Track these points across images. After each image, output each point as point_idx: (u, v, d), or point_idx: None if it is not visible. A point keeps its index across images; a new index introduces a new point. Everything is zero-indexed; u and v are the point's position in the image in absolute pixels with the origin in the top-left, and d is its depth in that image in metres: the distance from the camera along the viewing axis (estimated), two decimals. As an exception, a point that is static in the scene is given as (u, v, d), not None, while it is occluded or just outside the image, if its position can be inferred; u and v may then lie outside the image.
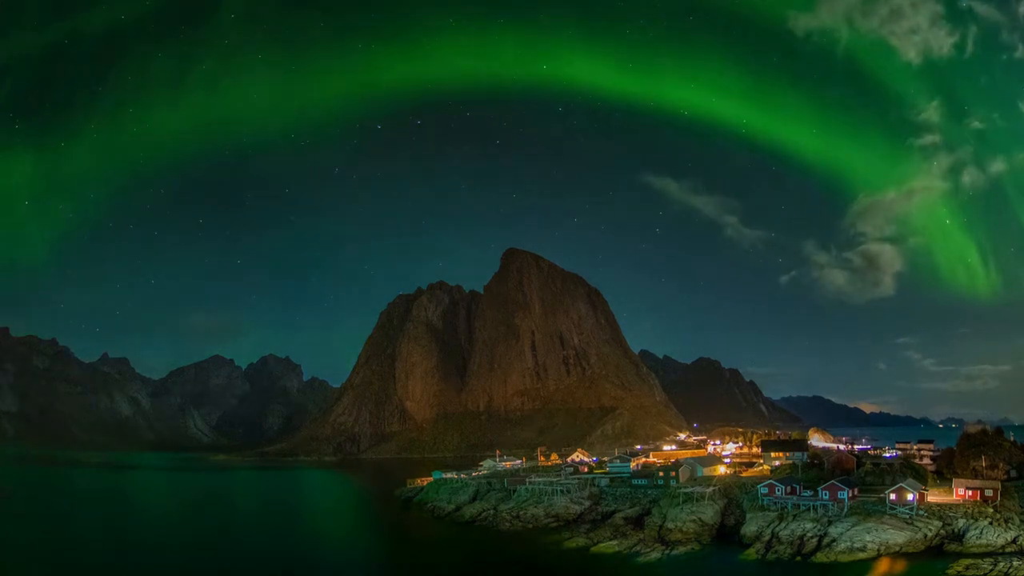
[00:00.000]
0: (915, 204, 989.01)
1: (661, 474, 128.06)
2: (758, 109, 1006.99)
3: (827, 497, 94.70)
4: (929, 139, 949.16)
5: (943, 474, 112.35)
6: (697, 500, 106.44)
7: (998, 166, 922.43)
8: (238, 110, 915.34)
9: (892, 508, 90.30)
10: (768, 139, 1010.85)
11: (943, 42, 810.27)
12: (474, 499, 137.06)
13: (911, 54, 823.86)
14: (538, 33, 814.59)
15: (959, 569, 72.40)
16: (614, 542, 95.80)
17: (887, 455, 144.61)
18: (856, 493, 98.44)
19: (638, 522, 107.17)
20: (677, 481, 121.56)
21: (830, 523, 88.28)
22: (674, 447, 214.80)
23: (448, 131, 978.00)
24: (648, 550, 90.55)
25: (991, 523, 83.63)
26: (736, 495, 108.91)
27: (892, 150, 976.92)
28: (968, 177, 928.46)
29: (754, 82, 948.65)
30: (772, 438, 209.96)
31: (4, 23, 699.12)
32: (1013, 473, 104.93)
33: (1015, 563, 71.85)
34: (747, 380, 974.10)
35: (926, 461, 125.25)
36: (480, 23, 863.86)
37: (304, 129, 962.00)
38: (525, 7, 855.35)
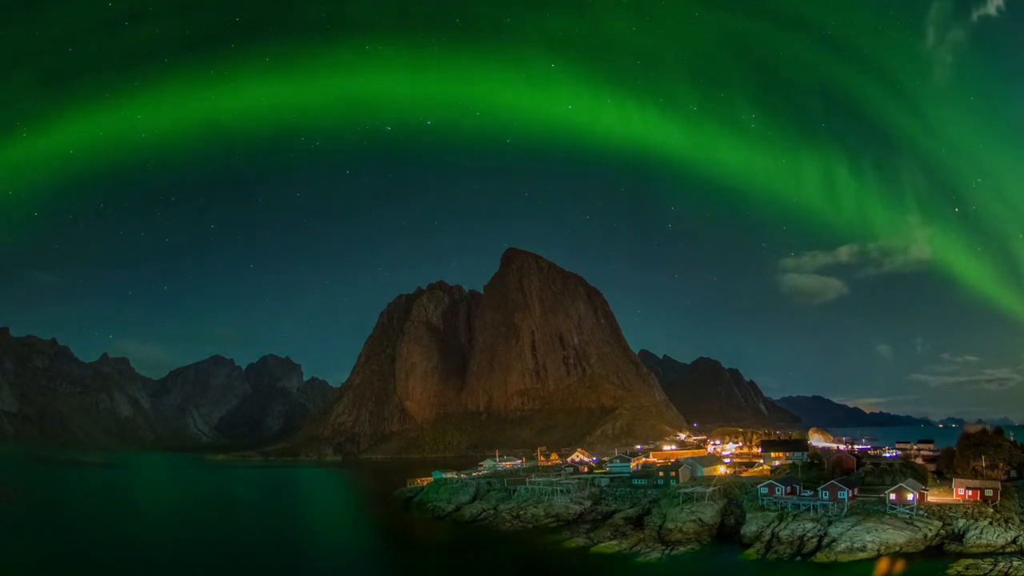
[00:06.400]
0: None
1: (661, 474, 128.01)
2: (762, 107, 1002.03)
3: (827, 497, 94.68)
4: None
5: (943, 474, 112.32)
6: (697, 500, 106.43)
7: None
8: (247, 113, 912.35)
9: (892, 508, 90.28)
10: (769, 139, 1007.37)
11: None
12: (474, 499, 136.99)
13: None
14: (544, 33, 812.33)
15: (959, 569, 72.39)
16: (614, 542, 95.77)
17: (887, 455, 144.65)
18: (856, 493, 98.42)
19: (638, 522, 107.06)
20: (677, 481, 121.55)
21: (830, 523, 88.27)
22: (674, 447, 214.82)
23: (458, 130, 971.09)
24: (648, 550, 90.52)
25: (991, 523, 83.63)
26: (736, 495, 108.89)
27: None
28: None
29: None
30: (772, 438, 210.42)
31: (9, 30, 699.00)
32: (1013, 473, 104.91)
33: (1015, 563, 71.85)
34: (747, 380, 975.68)
35: (925, 461, 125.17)
36: (484, 22, 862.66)
37: (315, 132, 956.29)
38: (531, 7, 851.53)
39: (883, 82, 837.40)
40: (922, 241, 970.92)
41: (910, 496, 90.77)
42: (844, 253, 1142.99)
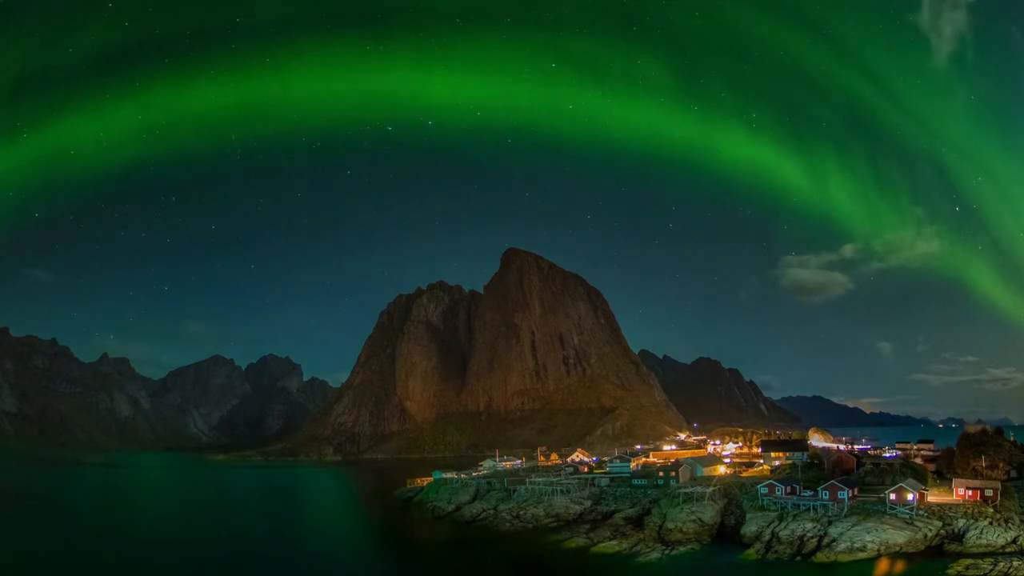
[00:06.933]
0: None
1: (661, 474, 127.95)
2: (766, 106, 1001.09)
3: (827, 497, 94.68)
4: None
5: (943, 474, 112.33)
6: (697, 500, 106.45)
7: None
8: (248, 113, 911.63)
9: (892, 508, 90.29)
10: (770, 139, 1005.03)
11: None
12: (474, 499, 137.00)
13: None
14: (545, 32, 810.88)
15: (959, 569, 72.40)
16: (614, 542, 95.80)
17: (887, 455, 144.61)
18: (856, 493, 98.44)
19: (638, 522, 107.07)
20: (677, 481, 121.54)
21: (830, 523, 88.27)
22: (674, 447, 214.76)
23: (458, 130, 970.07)
24: (648, 550, 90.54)
25: (991, 523, 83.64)
26: (736, 495, 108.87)
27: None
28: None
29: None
30: (772, 438, 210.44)
31: (9, 29, 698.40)
32: (1013, 473, 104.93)
33: (1015, 563, 71.84)
34: (747, 380, 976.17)
35: (925, 461, 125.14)
36: (487, 22, 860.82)
37: (315, 132, 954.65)
38: (531, 6, 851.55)
39: (885, 79, 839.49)
40: (925, 239, 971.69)
41: (910, 496, 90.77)
42: (847, 251, 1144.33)
